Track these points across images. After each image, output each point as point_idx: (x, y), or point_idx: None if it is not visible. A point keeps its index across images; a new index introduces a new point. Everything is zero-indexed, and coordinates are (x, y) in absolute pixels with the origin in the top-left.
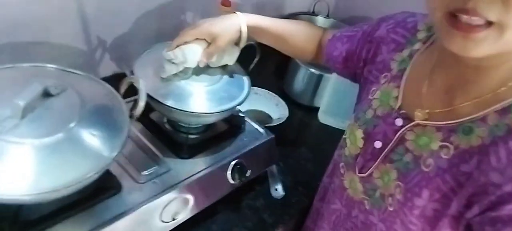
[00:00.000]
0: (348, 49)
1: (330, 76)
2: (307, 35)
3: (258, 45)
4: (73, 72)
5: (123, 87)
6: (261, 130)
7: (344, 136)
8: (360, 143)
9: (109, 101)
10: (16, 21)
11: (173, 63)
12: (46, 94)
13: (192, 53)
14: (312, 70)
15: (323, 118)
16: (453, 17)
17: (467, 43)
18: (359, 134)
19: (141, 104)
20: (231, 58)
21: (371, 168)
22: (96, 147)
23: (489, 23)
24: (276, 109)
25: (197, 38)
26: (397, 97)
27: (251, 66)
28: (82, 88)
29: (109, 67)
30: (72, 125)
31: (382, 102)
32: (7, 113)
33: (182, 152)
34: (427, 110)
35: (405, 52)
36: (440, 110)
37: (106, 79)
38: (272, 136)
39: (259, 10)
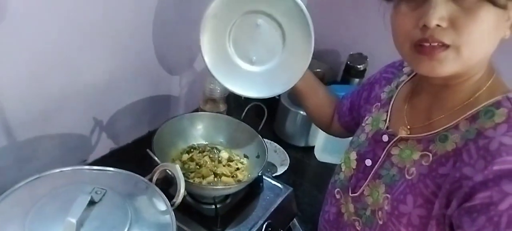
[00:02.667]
0: (351, 101)
1: None
2: (330, 97)
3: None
4: (103, 171)
5: (156, 176)
6: (279, 185)
7: (339, 163)
8: (354, 164)
9: (145, 193)
10: (15, 121)
11: None
12: (90, 202)
13: None
14: (302, 112)
15: (321, 156)
16: (418, 46)
17: (433, 64)
18: (353, 156)
19: (181, 191)
20: None
21: (363, 187)
22: None
23: (446, 45)
24: (276, 155)
25: None
26: (385, 120)
27: (260, 126)
28: (118, 186)
29: (106, 145)
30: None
31: (373, 126)
32: None
33: (215, 226)
34: (408, 127)
35: (393, 84)
36: (420, 125)
37: (105, 157)
38: (291, 188)
39: None
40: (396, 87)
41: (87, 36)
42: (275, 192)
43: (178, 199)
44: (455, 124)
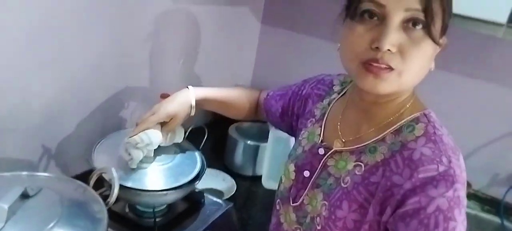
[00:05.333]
0: (282, 106)
1: (266, 144)
2: (246, 98)
3: (205, 125)
4: (43, 175)
5: (93, 179)
6: (220, 201)
7: (280, 176)
8: (292, 175)
9: (82, 195)
10: None
11: (137, 148)
12: (24, 196)
13: (155, 135)
14: (249, 142)
15: (267, 183)
16: (366, 64)
17: (377, 82)
18: (291, 167)
19: (115, 191)
20: (180, 136)
21: (302, 196)
22: None
23: (391, 68)
24: (224, 184)
25: None
26: (320, 134)
27: (202, 144)
28: (55, 187)
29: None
30: (52, 223)
31: (309, 140)
32: None
33: None
34: (343, 140)
35: (325, 101)
36: (352, 138)
37: None
38: (231, 204)
39: None
40: (328, 104)
41: (37, 62)
42: (214, 207)
43: (112, 198)
44: (382, 137)
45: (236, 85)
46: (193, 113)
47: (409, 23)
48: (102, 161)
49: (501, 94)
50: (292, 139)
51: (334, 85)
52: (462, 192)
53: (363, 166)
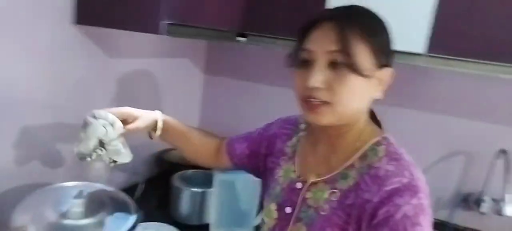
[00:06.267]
0: (249, 148)
1: (212, 190)
2: (206, 138)
3: (148, 181)
4: None
5: None
6: None
7: (261, 217)
8: (275, 214)
9: None
10: None
11: (96, 119)
12: None
13: (117, 120)
14: (194, 189)
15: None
16: (305, 101)
17: (316, 115)
18: (273, 206)
19: None
20: (127, 155)
21: None
22: None
23: (326, 102)
24: None
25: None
26: (294, 170)
27: (137, 193)
28: None
29: None
30: None
31: (285, 177)
32: None
33: None
34: (317, 173)
35: (294, 139)
36: (324, 170)
37: None
38: None
39: None
40: (297, 141)
41: None
42: None
43: None
44: (351, 164)
45: None
46: (158, 133)
47: (334, 62)
48: (24, 220)
49: (432, 120)
50: (238, 182)
51: (299, 123)
52: (426, 201)
53: (338, 192)
